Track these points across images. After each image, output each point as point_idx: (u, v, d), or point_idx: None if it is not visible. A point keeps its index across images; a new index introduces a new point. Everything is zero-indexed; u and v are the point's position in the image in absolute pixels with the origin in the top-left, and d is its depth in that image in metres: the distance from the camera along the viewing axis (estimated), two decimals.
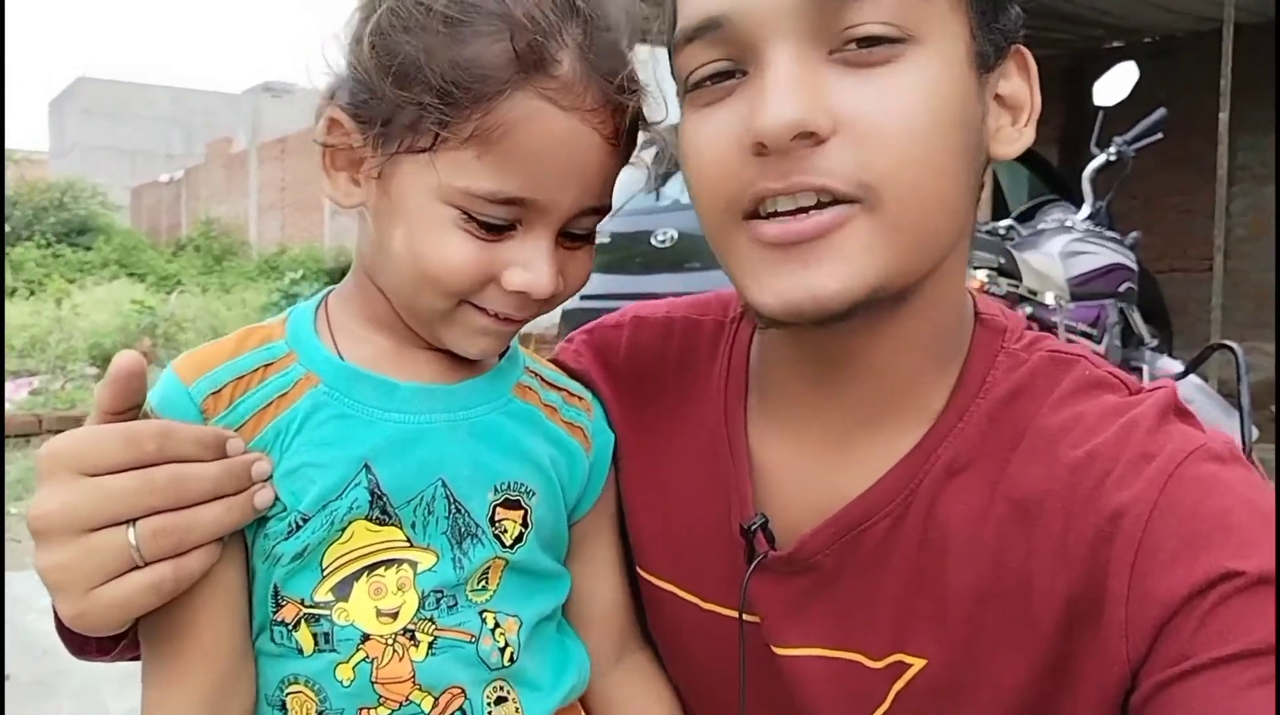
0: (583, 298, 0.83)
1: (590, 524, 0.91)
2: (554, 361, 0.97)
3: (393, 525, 0.77)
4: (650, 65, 0.79)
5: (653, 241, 4.43)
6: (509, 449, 0.82)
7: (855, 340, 0.76)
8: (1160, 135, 3.71)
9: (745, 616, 0.83)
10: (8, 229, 19.78)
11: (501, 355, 0.86)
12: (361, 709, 0.76)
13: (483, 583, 0.80)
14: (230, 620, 0.75)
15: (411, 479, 0.77)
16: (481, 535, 0.79)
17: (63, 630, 0.77)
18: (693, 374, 0.93)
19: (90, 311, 10.49)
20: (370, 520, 0.76)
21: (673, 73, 0.76)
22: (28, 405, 7.06)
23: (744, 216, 0.70)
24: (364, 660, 0.75)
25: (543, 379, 0.89)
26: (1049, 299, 3.26)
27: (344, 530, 0.76)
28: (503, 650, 0.80)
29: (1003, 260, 3.14)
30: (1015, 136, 0.77)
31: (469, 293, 0.76)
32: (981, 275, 2.99)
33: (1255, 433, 2.73)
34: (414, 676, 0.76)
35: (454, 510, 0.79)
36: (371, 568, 0.76)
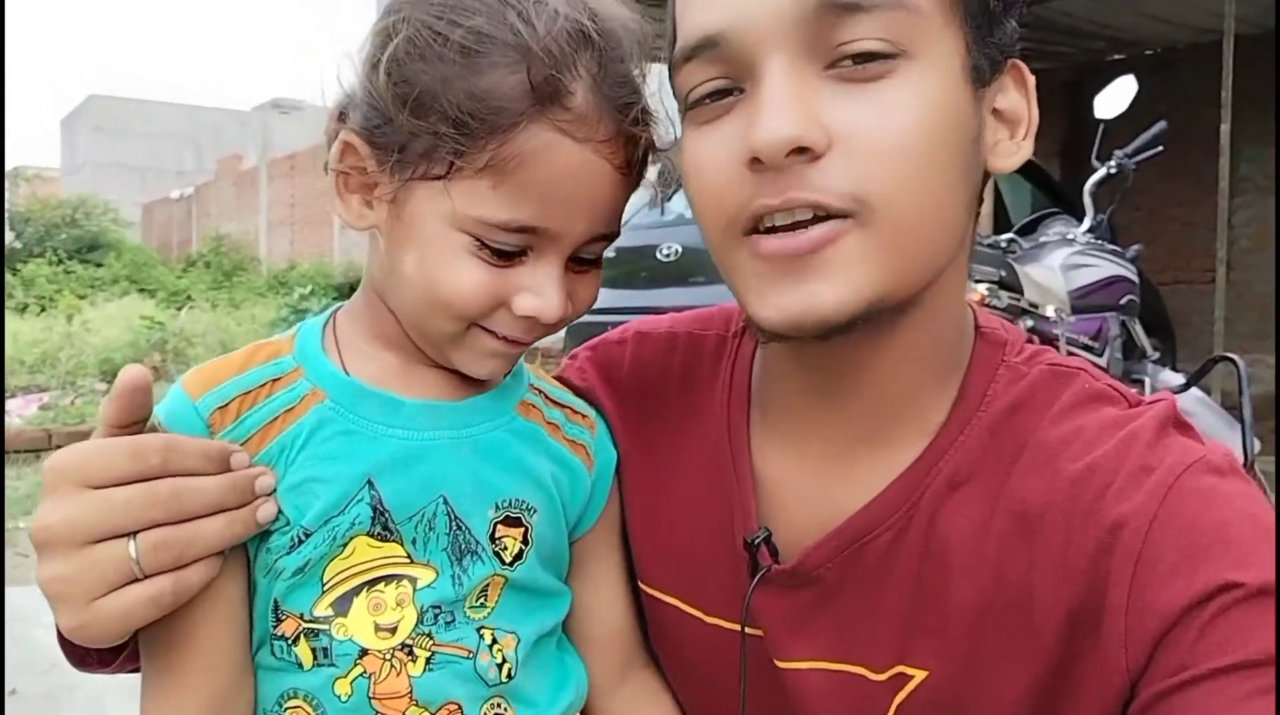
0: (589, 312, 0.85)
1: (593, 542, 0.91)
2: (559, 378, 0.97)
3: (394, 541, 0.77)
4: (656, 84, 0.80)
5: (658, 256, 4.44)
6: (511, 466, 0.83)
7: (856, 354, 0.76)
8: (1161, 148, 3.70)
9: (747, 630, 0.84)
10: (19, 246, 19.87)
11: (506, 372, 0.86)
12: None
13: (481, 600, 0.80)
14: (230, 633, 0.76)
15: (414, 496, 0.78)
16: (481, 552, 0.80)
17: (64, 641, 0.77)
18: (695, 389, 0.93)
19: (101, 327, 10.55)
20: (372, 536, 0.77)
21: (673, 91, 0.77)
22: (37, 420, 7.09)
23: (744, 233, 0.71)
24: (361, 675, 0.76)
25: (546, 396, 0.89)
26: (1050, 312, 3.26)
27: (345, 546, 0.76)
28: (500, 666, 0.80)
29: (1004, 273, 3.13)
30: (1013, 150, 0.77)
31: (479, 317, 0.77)
32: (982, 288, 2.99)
33: (1257, 445, 2.74)
34: (411, 692, 0.77)
35: (455, 527, 0.79)
36: (371, 583, 0.77)
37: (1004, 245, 3.68)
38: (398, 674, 0.76)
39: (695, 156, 0.74)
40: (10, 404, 7.52)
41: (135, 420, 0.71)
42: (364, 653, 0.76)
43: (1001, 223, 5.40)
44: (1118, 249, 3.92)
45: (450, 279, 0.74)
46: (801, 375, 0.83)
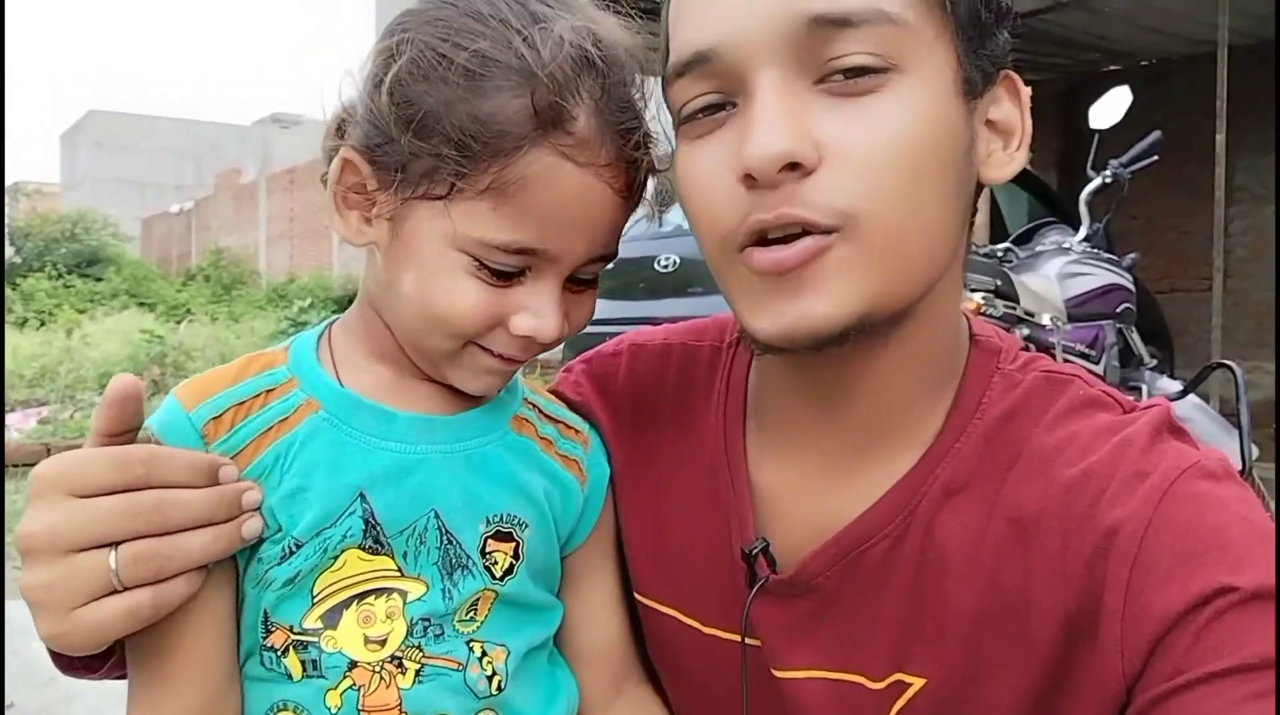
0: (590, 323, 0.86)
1: (586, 557, 0.91)
2: (553, 391, 0.97)
3: (385, 555, 0.77)
4: (654, 97, 0.80)
5: (655, 267, 4.44)
6: (503, 481, 0.83)
7: (851, 366, 0.77)
8: (1156, 158, 3.71)
9: (745, 640, 0.84)
10: (19, 261, 19.90)
11: (500, 388, 0.86)
12: None
13: (471, 613, 0.80)
14: (217, 643, 0.76)
15: (405, 509, 0.78)
16: (472, 567, 0.80)
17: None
18: (691, 400, 0.93)
19: (100, 341, 10.55)
20: (363, 549, 0.77)
21: (666, 105, 0.77)
22: (36, 434, 7.09)
23: (739, 248, 0.71)
24: (351, 687, 0.76)
25: (540, 411, 0.89)
26: (1046, 320, 3.27)
27: (336, 558, 0.76)
28: (490, 679, 0.80)
29: (999, 282, 3.14)
30: (1006, 161, 0.77)
31: (476, 336, 0.77)
32: (978, 297, 3.00)
33: (1255, 451, 2.74)
34: (401, 704, 0.76)
35: (445, 541, 0.79)
36: (361, 596, 0.77)
37: (1000, 254, 3.69)
38: (387, 686, 0.76)
39: (689, 172, 0.74)
40: (9, 418, 7.52)
41: (126, 429, 0.71)
42: (353, 665, 0.76)
43: (998, 232, 5.41)
44: (1114, 257, 3.92)
45: (448, 298, 0.75)
46: (797, 387, 0.83)
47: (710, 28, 0.70)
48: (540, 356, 0.84)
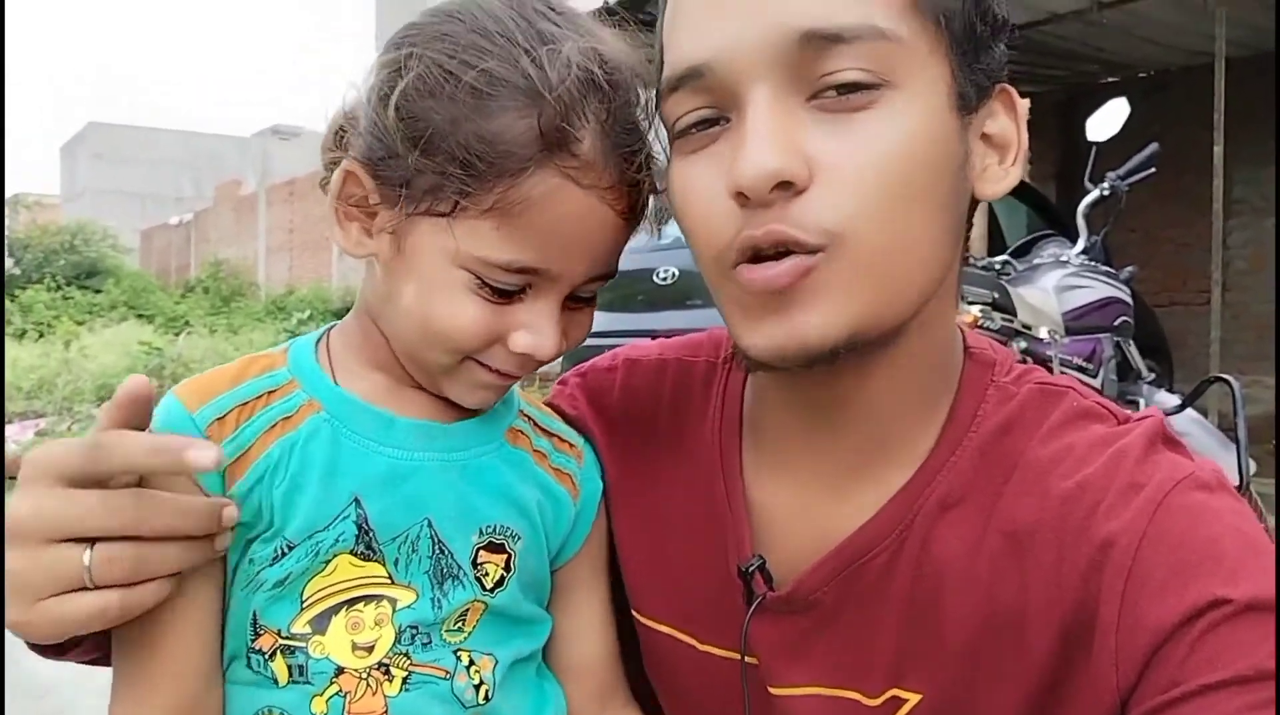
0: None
1: (576, 572, 0.91)
2: (549, 404, 0.97)
3: (376, 561, 0.77)
4: (657, 115, 0.80)
5: (654, 279, 4.45)
6: (497, 493, 0.83)
7: (844, 383, 0.77)
8: (1153, 169, 3.71)
9: (745, 658, 0.84)
10: (18, 272, 19.92)
11: (496, 402, 0.86)
12: None
13: (459, 624, 0.80)
14: (202, 644, 0.75)
15: (398, 516, 0.78)
16: (463, 577, 0.80)
17: None
18: (686, 415, 0.93)
19: (98, 353, 10.55)
20: (355, 555, 0.77)
21: (660, 118, 0.77)
22: (34, 446, 7.09)
23: (732, 265, 0.71)
24: (337, 694, 0.76)
25: (536, 424, 0.90)
26: (1043, 333, 3.26)
27: (328, 563, 0.76)
28: (477, 688, 0.80)
29: (997, 295, 3.14)
30: (1001, 176, 0.77)
31: (475, 351, 0.77)
32: (975, 310, 2.99)
33: (1253, 466, 2.74)
34: (387, 711, 0.76)
35: (437, 550, 0.79)
36: (351, 602, 0.77)
37: (998, 267, 3.70)
38: (374, 693, 0.76)
39: (684, 187, 0.74)
40: (7, 430, 7.52)
41: (131, 426, 0.70)
42: (340, 671, 0.76)
43: (996, 244, 5.43)
44: (1112, 270, 3.92)
45: (449, 314, 0.75)
46: (791, 404, 0.83)
47: (703, 43, 0.70)
48: (541, 371, 0.84)
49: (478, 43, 0.73)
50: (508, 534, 0.83)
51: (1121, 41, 6.86)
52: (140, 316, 16.17)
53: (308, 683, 0.76)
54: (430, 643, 0.78)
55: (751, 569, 0.81)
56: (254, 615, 0.76)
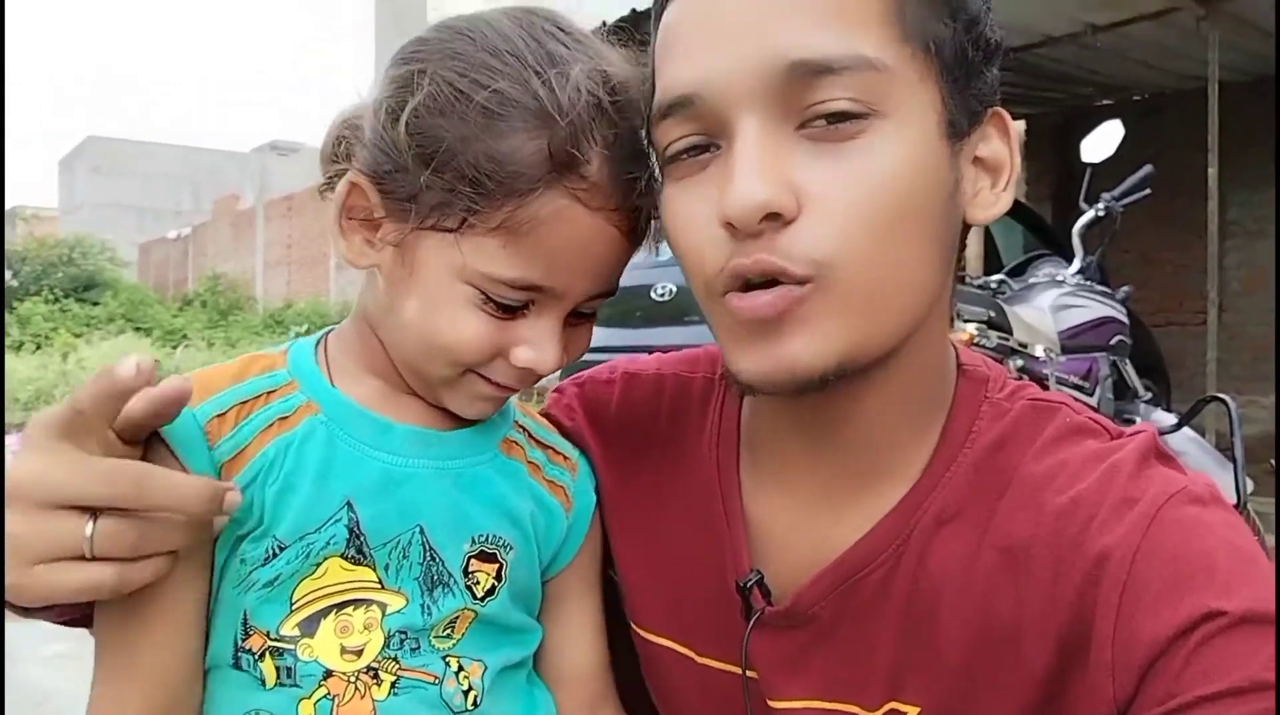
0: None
1: (567, 583, 0.91)
2: (544, 414, 0.98)
3: (366, 566, 0.78)
4: None
5: (652, 295, 4.45)
6: (491, 503, 0.83)
7: (837, 406, 0.77)
8: (1148, 191, 3.72)
9: (746, 672, 0.84)
10: (16, 284, 19.91)
11: (494, 413, 0.87)
12: None
13: (448, 630, 0.80)
14: (184, 639, 0.75)
15: (391, 521, 0.78)
16: (453, 585, 0.80)
17: None
18: (684, 431, 0.93)
19: (96, 365, 10.48)
20: (345, 558, 0.77)
21: (651, 143, 0.77)
22: None
23: (722, 293, 0.71)
24: (325, 697, 0.75)
25: (530, 435, 0.90)
26: (1039, 352, 3.27)
27: (318, 565, 0.76)
28: (466, 694, 0.80)
29: (992, 314, 3.16)
30: (993, 201, 0.77)
31: (477, 365, 0.78)
32: (971, 328, 3.00)
33: (1251, 485, 2.74)
34: None
35: (429, 557, 0.79)
36: (340, 606, 0.77)
37: (994, 286, 3.70)
38: (362, 697, 0.76)
39: (675, 214, 0.74)
40: (6, 441, 7.49)
41: (155, 424, 0.71)
42: (328, 674, 0.76)
43: (992, 264, 5.44)
44: (1108, 290, 3.93)
45: (452, 328, 0.75)
46: (787, 423, 0.83)
47: (692, 72, 0.71)
48: (540, 384, 0.85)
49: (488, 62, 0.74)
50: (500, 544, 0.83)
51: (1115, 64, 6.89)
52: (138, 329, 16.14)
53: (295, 685, 0.76)
54: (419, 648, 0.79)
55: (749, 584, 0.82)
56: (245, 615, 0.76)
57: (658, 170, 0.78)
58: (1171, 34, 6.09)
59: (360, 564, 0.78)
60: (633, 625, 0.94)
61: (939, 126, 0.71)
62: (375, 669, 0.77)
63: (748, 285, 0.70)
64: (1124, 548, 0.67)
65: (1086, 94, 7.83)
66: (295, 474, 0.77)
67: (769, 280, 0.68)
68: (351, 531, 0.77)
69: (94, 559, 0.66)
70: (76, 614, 0.76)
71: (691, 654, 0.89)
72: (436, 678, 0.79)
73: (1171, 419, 3.39)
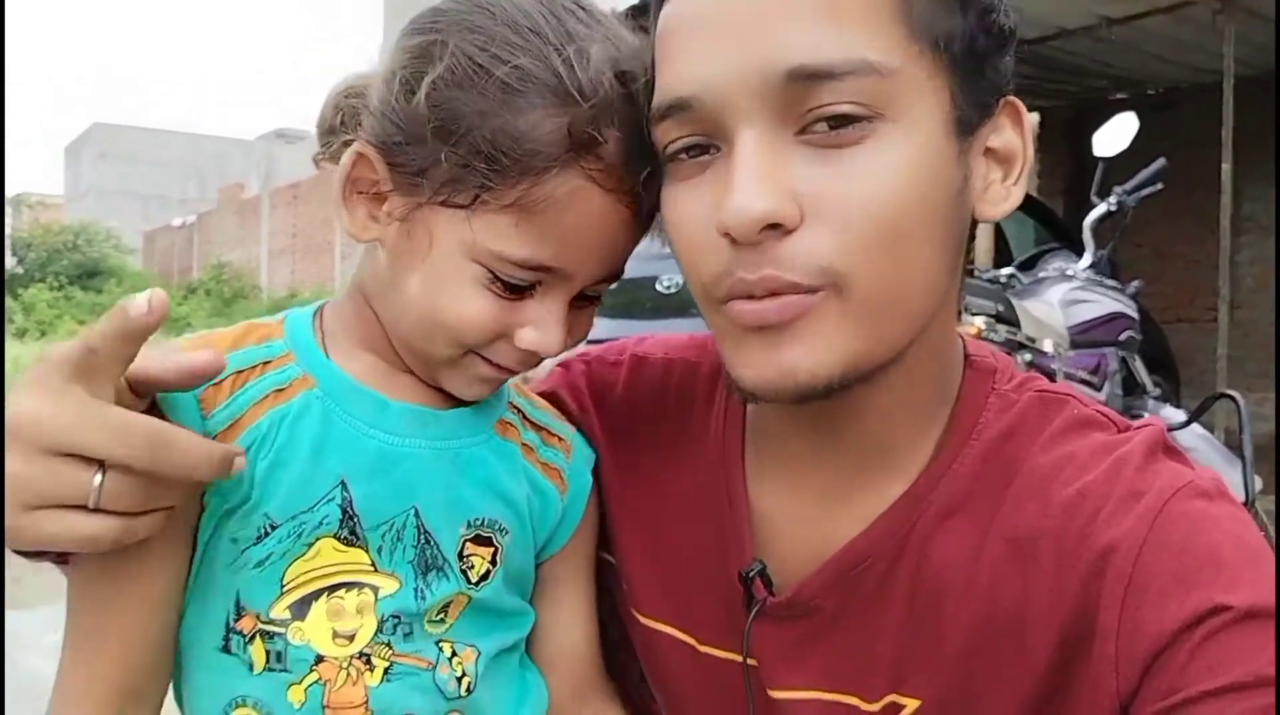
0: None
1: (560, 566, 0.90)
2: (548, 392, 0.97)
3: (359, 547, 0.76)
4: None
5: (658, 287, 4.46)
6: (487, 485, 0.82)
7: (844, 405, 0.76)
8: (1161, 185, 3.71)
9: (747, 661, 0.84)
10: (21, 271, 19.99)
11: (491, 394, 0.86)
12: None
13: (441, 615, 0.80)
14: (157, 614, 0.74)
15: (385, 503, 0.77)
16: (448, 570, 0.79)
17: None
18: (690, 417, 0.93)
19: None
20: (338, 539, 0.76)
21: (652, 140, 0.75)
22: None
23: (722, 301, 0.71)
24: (316, 682, 0.74)
25: (524, 416, 0.89)
26: (1048, 346, 3.26)
27: (310, 546, 0.75)
28: (460, 680, 0.79)
29: (1001, 307, 3.14)
30: (1004, 196, 0.76)
31: (480, 346, 0.76)
32: (979, 322, 2.99)
33: (1259, 482, 2.73)
34: (367, 702, 0.75)
35: (423, 540, 0.78)
36: (332, 589, 0.76)
37: (1003, 280, 3.69)
38: (354, 683, 0.75)
39: (675, 214, 0.74)
40: None
41: (176, 390, 0.70)
42: (320, 659, 0.75)
43: (1003, 257, 5.41)
44: (1118, 285, 3.92)
45: (457, 307, 0.74)
46: (792, 418, 0.83)
47: (690, 76, 0.69)
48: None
49: (508, 37, 0.72)
50: (496, 527, 0.82)
51: (1130, 58, 6.89)
52: None
53: (285, 670, 0.74)
54: (412, 633, 0.78)
55: (752, 574, 0.81)
56: (237, 595, 0.75)
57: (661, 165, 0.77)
58: (1187, 28, 6.09)
59: (353, 545, 0.76)
60: (633, 611, 0.93)
61: (946, 125, 0.69)
62: (368, 655, 0.76)
63: (751, 295, 0.69)
64: (1130, 541, 0.68)
65: (1100, 87, 7.82)
66: (288, 449, 0.75)
67: (767, 293, 0.68)
68: (345, 512, 0.76)
69: (94, 511, 0.64)
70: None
71: (693, 642, 0.88)
72: (430, 663, 0.78)
73: (1181, 415, 3.38)
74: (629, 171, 0.74)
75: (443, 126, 0.71)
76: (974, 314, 3.02)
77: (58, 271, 19.86)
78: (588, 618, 0.93)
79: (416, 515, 0.78)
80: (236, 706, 0.75)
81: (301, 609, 0.75)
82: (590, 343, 0.85)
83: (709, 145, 0.71)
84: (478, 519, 0.81)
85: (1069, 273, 3.85)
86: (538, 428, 0.89)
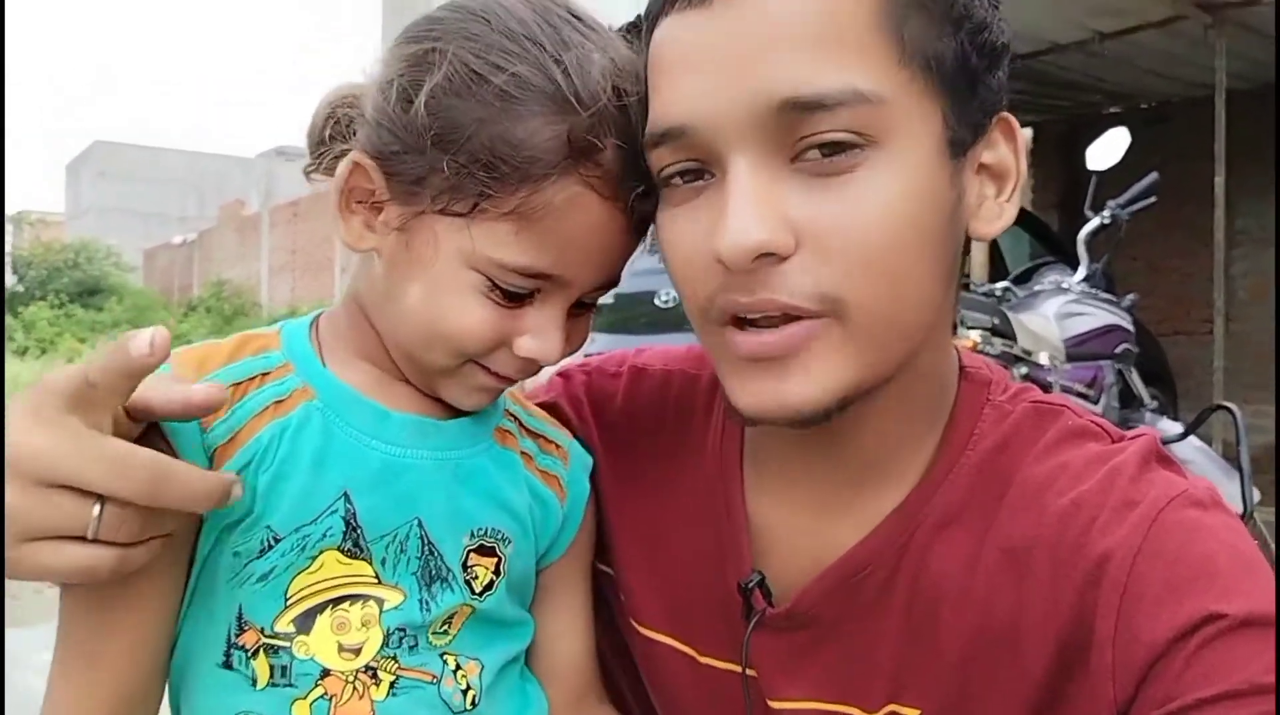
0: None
1: (558, 574, 0.90)
2: (547, 403, 0.97)
3: (363, 560, 0.76)
4: None
5: (656, 302, 4.45)
6: (490, 495, 0.82)
7: (841, 423, 0.76)
8: (1154, 199, 3.72)
9: (746, 672, 0.84)
10: (21, 289, 19.98)
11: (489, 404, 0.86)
12: None
13: (445, 627, 0.79)
14: (151, 633, 0.73)
15: (388, 514, 0.77)
16: (452, 581, 0.79)
17: None
18: (689, 428, 0.93)
19: None
20: (342, 551, 0.75)
21: (647, 163, 0.75)
22: None
23: (719, 324, 0.72)
24: (322, 697, 0.74)
25: (521, 423, 0.89)
26: (1044, 359, 3.26)
27: (314, 559, 0.75)
28: (465, 693, 0.79)
29: (996, 321, 3.14)
30: (998, 213, 0.76)
31: (479, 355, 0.76)
32: (975, 335, 2.99)
33: (1257, 495, 2.73)
34: None
35: (427, 551, 0.78)
36: (337, 601, 0.75)
37: (998, 293, 3.69)
38: (360, 697, 0.75)
39: (670, 238, 0.74)
40: None
41: (180, 420, 0.70)
42: (326, 673, 0.74)
43: (998, 271, 5.42)
44: (1113, 298, 3.92)
45: (457, 316, 0.74)
46: (790, 432, 0.82)
47: (683, 104, 0.70)
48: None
49: (506, 45, 0.73)
50: (499, 537, 0.82)
51: (1123, 72, 6.89)
52: None
53: (290, 685, 0.74)
54: (417, 646, 0.78)
55: (751, 585, 0.82)
56: (240, 610, 0.75)
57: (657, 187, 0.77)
58: (1179, 42, 6.09)
59: (357, 557, 0.76)
60: (632, 621, 0.93)
61: (939, 146, 0.70)
62: (374, 668, 0.76)
63: (745, 321, 0.70)
64: (1125, 550, 0.68)
65: (1093, 101, 7.82)
66: (289, 461, 0.75)
67: (770, 316, 0.68)
68: (349, 524, 0.76)
69: (92, 541, 0.63)
70: None
71: (693, 652, 0.89)
72: (435, 676, 0.78)
73: (1178, 428, 3.38)
74: (628, 179, 0.75)
75: (441, 134, 0.71)
76: (970, 328, 3.02)
77: (58, 289, 19.85)
78: (585, 626, 0.93)
79: (420, 526, 0.78)
80: None
81: (306, 622, 0.75)
82: (590, 357, 0.86)
83: (703, 171, 0.71)
84: (481, 529, 0.81)
85: (1064, 286, 3.85)
86: (535, 435, 0.89)
